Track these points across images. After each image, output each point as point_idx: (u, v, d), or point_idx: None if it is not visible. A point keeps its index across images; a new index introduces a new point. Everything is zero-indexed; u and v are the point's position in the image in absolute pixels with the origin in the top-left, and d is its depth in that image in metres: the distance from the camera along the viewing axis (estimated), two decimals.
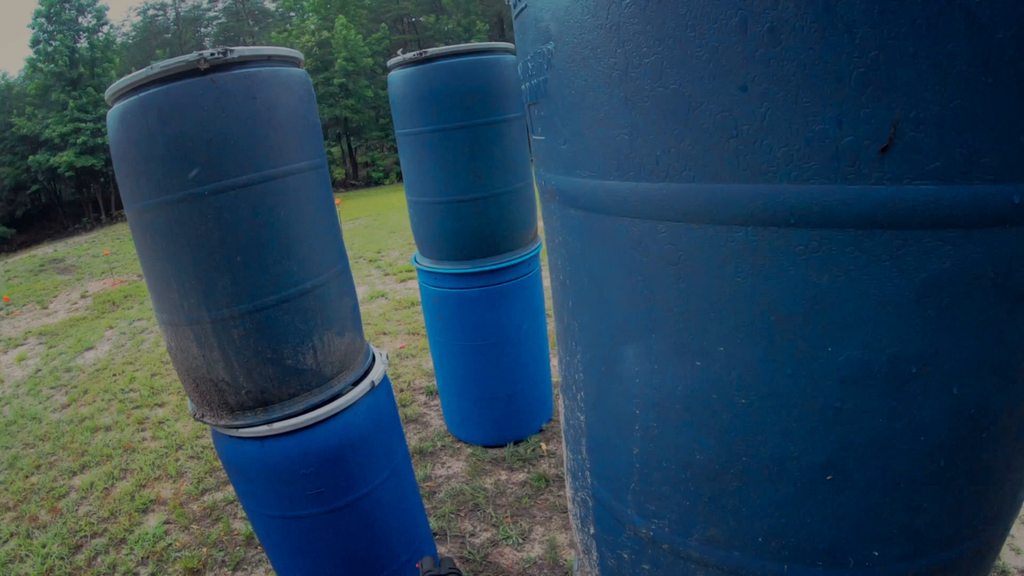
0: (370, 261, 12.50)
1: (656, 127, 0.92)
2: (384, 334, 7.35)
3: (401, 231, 15.91)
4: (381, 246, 14.05)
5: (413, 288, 9.66)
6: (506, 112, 3.79)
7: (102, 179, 36.52)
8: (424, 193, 3.93)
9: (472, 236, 3.93)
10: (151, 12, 48.16)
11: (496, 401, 4.45)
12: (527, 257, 4.16)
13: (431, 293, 4.18)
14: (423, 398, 5.61)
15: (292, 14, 43.93)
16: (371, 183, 40.10)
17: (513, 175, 3.94)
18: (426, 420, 5.23)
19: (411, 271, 10.89)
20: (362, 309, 8.65)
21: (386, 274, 11.05)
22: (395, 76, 3.85)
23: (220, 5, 49.17)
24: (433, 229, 4.00)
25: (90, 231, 32.70)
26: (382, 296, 9.36)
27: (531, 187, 4.21)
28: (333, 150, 44.87)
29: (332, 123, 39.14)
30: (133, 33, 49.85)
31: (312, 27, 37.62)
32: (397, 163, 40.91)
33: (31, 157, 33.85)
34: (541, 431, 4.82)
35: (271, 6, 47.11)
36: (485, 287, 4.03)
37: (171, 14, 48.47)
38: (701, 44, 0.83)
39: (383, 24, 41.43)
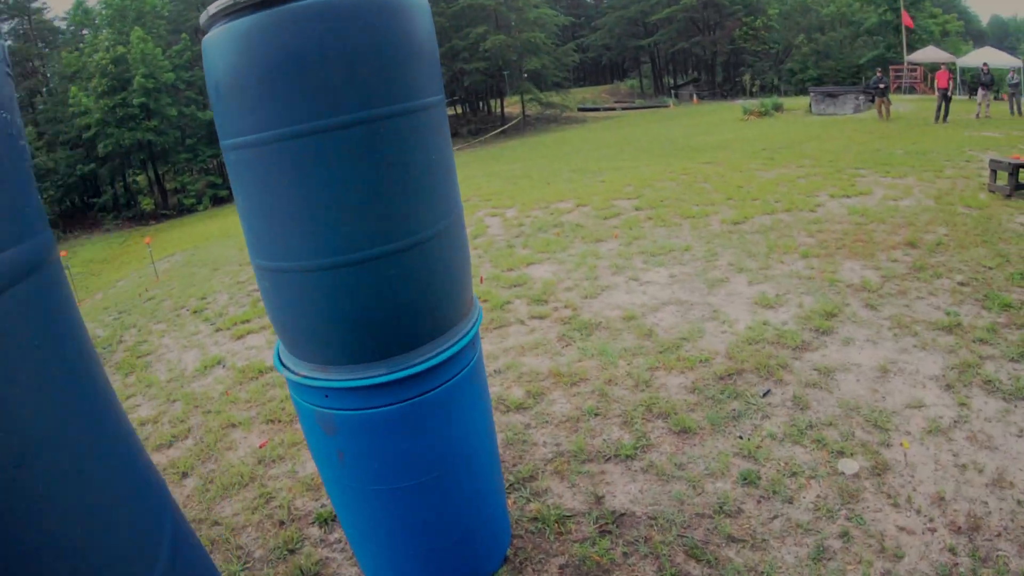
0: (195, 312, 10.28)
1: None
2: (233, 426, 5.44)
3: (225, 266, 13.62)
4: (205, 289, 11.77)
5: (257, 346, 7.73)
6: (424, 92, 2.19)
7: None
8: (290, 252, 2.21)
9: (385, 319, 2.28)
10: None
11: (442, 551, 2.84)
12: (469, 338, 2.57)
13: (320, 417, 2.46)
14: (316, 531, 3.85)
15: (84, 31, 39.00)
16: (184, 211, 36.70)
17: (443, 204, 2.34)
18: (335, 570, 3.51)
19: (247, 321, 8.89)
20: (196, 387, 6.69)
21: (217, 329, 8.95)
22: (218, 39, 2.04)
23: (5, 27, 43.07)
24: (313, 313, 2.30)
25: None
26: (218, 364, 7.36)
27: (462, 220, 2.62)
28: (139, 178, 40.66)
29: (135, 148, 35.18)
30: None
31: (106, 43, 33.49)
32: (210, 186, 37.60)
33: None
34: (506, 560, 3.28)
35: (61, 24, 41.68)
36: (412, 400, 2.39)
37: None
38: None
39: (183, 35, 37.65)
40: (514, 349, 6.07)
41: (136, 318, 11.41)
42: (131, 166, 38.42)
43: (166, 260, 18.02)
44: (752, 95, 40.45)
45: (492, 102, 47.54)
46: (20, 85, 41.57)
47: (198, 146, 37.17)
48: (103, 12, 36.15)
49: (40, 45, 42.41)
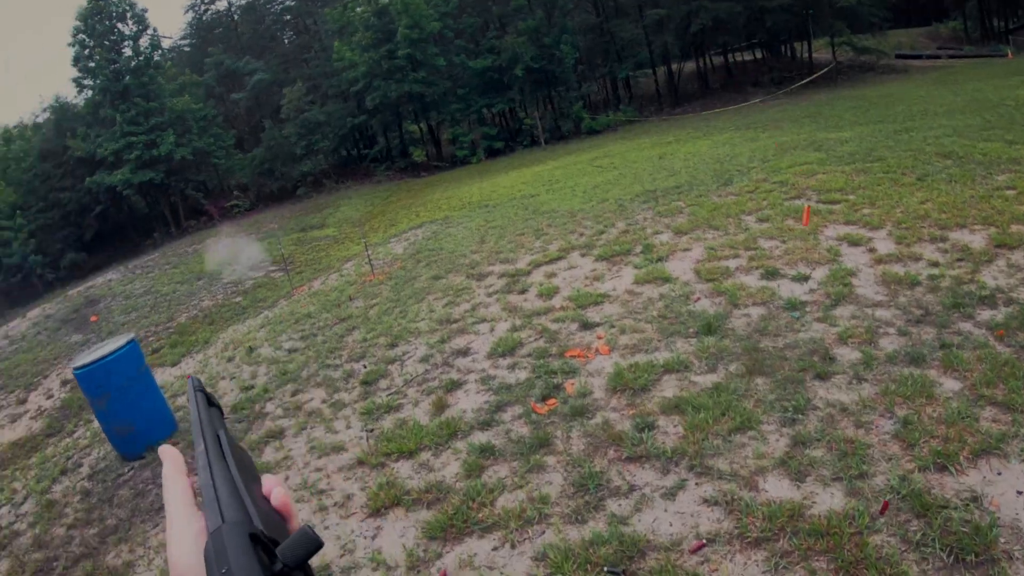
0: (364, 383, 6.56)
1: None
2: None
3: (450, 273, 9.76)
4: (403, 324, 8.05)
5: (388, 545, 3.49)
6: None
7: (168, 191, 33.64)
8: None
9: None
10: (201, 7, 43.49)
11: None
12: None
13: None
14: None
15: None
16: (457, 163, 34.77)
17: None
18: None
19: (409, 455, 4.83)
20: None
21: (359, 461, 5.07)
22: None
23: None
24: None
25: (159, 247, 29.15)
26: None
27: None
28: (412, 129, 39.43)
29: (404, 100, 33.45)
30: (187, 30, 45.65)
31: None
32: (484, 137, 35.23)
33: (88, 179, 31.68)
34: None
35: None
36: None
37: (222, 5, 43.67)
38: None
39: None
40: None
41: (306, 358, 8.00)
42: (403, 117, 37.11)
43: (410, 235, 14.78)
44: None
45: (797, 46, 39.41)
46: (294, 42, 42.05)
47: (471, 96, 34.66)
48: None
49: (317, 2, 42.21)
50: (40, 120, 37.32)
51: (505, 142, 35.51)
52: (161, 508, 5.52)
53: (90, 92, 32.13)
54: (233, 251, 18.88)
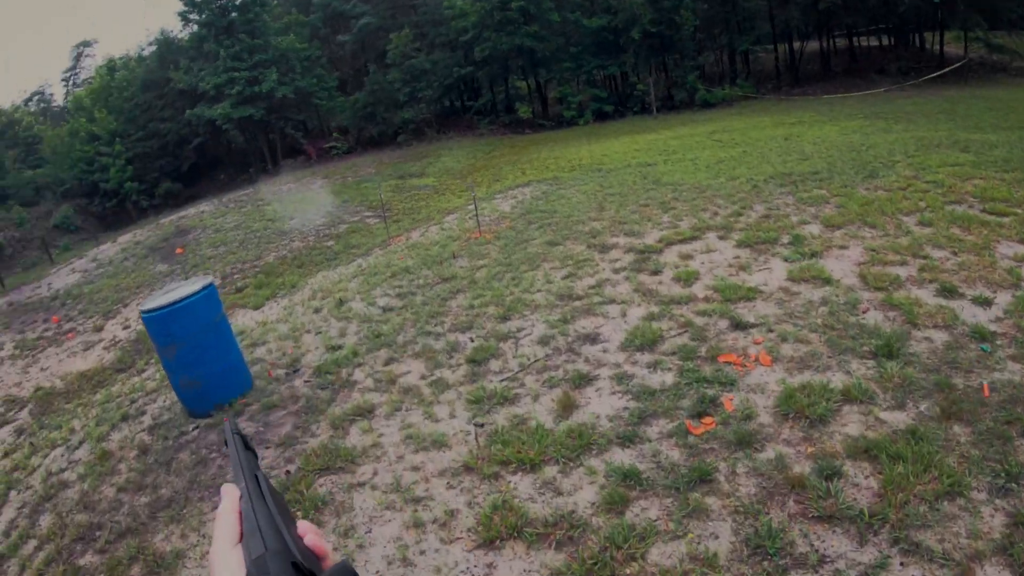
0: (471, 361, 5.53)
1: None
2: None
3: (569, 240, 8.61)
4: (517, 293, 6.94)
5: None
6: None
7: (267, 128, 33.61)
8: None
9: None
10: None
11: None
12: None
13: None
14: None
15: None
16: (563, 123, 33.22)
17: None
18: None
19: (530, 466, 3.71)
20: None
21: (466, 466, 4.05)
22: None
23: None
24: None
25: (254, 182, 29.10)
26: None
27: None
28: (519, 84, 38.12)
29: (514, 54, 32.17)
30: None
31: None
32: (594, 99, 33.61)
33: (188, 111, 31.93)
34: None
35: None
36: None
37: None
38: None
39: None
40: None
41: (403, 320, 7.00)
42: (510, 72, 35.83)
43: (516, 192, 13.65)
44: None
45: (927, 36, 36.09)
46: None
47: (582, 56, 33.00)
48: None
49: None
50: (145, 52, 37.84)
51: (615, 107, 33.72)
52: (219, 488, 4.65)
53: (195, 26, 32.24)
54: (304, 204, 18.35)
